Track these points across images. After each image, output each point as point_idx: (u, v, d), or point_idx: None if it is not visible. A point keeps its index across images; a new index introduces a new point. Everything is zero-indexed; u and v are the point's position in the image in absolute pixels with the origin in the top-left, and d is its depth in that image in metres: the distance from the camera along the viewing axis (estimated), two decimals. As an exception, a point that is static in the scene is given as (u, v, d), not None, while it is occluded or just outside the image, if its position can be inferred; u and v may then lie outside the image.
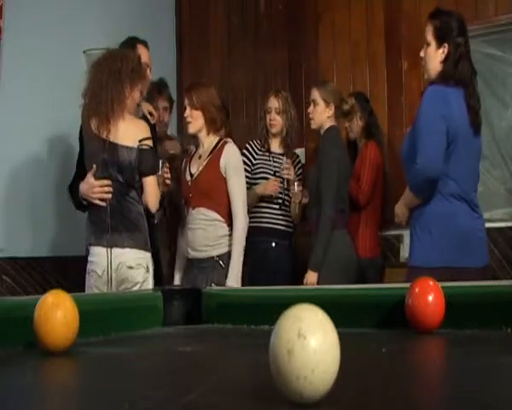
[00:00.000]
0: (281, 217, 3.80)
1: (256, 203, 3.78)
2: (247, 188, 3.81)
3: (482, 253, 2.70)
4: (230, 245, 3.33)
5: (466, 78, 2.66)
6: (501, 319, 1.50)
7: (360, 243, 3.70)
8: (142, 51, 3.34)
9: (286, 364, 0.79)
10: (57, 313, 1.33)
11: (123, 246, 2.94)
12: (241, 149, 3.77)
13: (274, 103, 3.85)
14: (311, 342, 0.79)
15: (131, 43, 3.33)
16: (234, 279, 3.20)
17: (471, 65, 2.71)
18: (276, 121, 3.85)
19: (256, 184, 3.83)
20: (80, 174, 3.16)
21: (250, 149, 3.92)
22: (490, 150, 4.03)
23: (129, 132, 2.96)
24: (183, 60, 5.32)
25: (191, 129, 3.41)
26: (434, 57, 2.70)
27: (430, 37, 2.71)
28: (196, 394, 0.92)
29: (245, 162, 3.85)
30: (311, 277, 3.32)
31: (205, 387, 0.99)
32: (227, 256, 3.31)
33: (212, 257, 3.31)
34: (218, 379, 1.09)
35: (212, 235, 3.32)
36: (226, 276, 3.24)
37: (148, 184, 3.00)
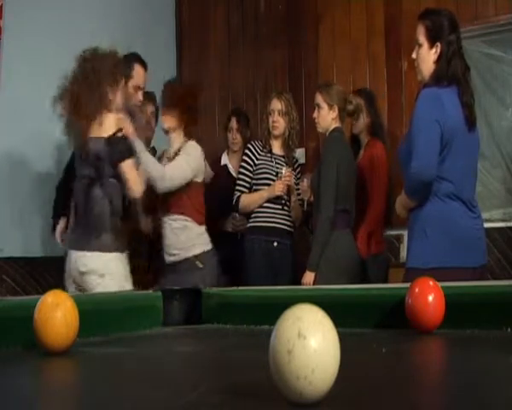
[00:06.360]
0: (283, 216, 3.80)
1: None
2: (249, 188, 3.83)
3: (479, 253, 2.69)
4: (205, 244, 3.38)
5: (459, 75, 2.66)
6: (501, 319, 1.50)
7: (360, 240, 3.69)
8: (137, 72, 3.32)
9: (286, 364, 0.79)
10: (57, 313, 1.33)
11: (77, 248, 2.90)
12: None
13: (277, 105, 3.84)
14: (311, 342, 0.79)
15: (129, 60, 3.26)
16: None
17: (464, 61, 2.71)
18: (279, 123, 3.84)
19: (258, 184, 3.84)
20: (66, 180, 3.30)
21: (252, 149, 3.91)
22: (490, 150, 4.04)
23: (100, 127, 2.92)
24: (183, 60, 5.32)
25: (162, 125, 3.49)
26: (427, 58, 2.70)
27: (422, 37, 2.71)
28: (196, 394, 0.92)
29: (247, 162, 3.87)
30: (308, 277, 3.34)
31: (205, 387, 0.98)
32: (203, 256, 3.34)
33: (188, 258, 3.33)
34: (218, 379, 1.09)
35: (185, 238, 3.35)
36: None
37: (125, 170, 2.89)
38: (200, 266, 3.31)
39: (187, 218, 3.36)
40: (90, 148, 2.90)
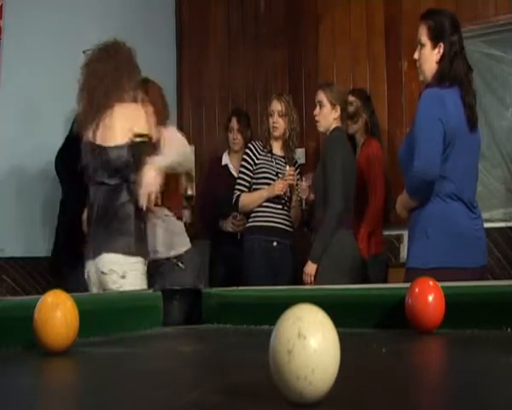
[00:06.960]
0: (283, 216, 3.81)
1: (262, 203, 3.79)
2: (248, 187, 3.83)
3: (480, 253, 2.69)
4: (186, 245, 3.25)
5: (461, 75, 2.66)
6: (501, 319, 1.50)
7: (360, 241, 3.69)
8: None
9: (286, 364, 0.79)
10: (57, 313, 1.33)
11: (100, 252, 2.83)
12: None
13: (277, 106, 3.85)
14: (311, 342, 0.78)
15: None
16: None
17: (466, 62, 2.71)
18: (279, 124, 3.85)
19: (258, 183, 3.84)
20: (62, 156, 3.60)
21: (253, 149, 3.92)
22: (490, 150, 4.04)
23: (120, 126, 2.84)
24: (183, 60, 5.32)
25: None
26: (430, 58, 2.70)
27: (424, 37, 2.70)
28: (196, 394, 0.92)
29: (247, 162, 3.87)
30: (310, 267, 3.35)
31: (205, 387, 0.98)
32: (184, 257, 3.22)
33: (169, 258, 3.21)
34: (218, 379, 1.09)
35: (168, 233, 3.20)
36: None
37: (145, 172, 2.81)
38: (182, 267, 3.22)
39: (170, 213, 3.21)
40: (110, 158, 2.84)
